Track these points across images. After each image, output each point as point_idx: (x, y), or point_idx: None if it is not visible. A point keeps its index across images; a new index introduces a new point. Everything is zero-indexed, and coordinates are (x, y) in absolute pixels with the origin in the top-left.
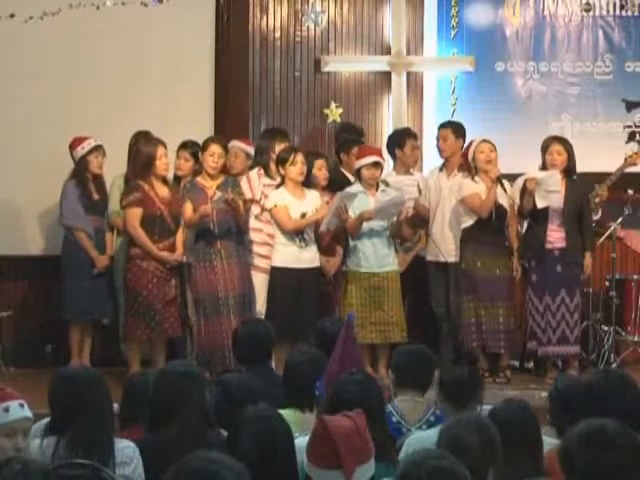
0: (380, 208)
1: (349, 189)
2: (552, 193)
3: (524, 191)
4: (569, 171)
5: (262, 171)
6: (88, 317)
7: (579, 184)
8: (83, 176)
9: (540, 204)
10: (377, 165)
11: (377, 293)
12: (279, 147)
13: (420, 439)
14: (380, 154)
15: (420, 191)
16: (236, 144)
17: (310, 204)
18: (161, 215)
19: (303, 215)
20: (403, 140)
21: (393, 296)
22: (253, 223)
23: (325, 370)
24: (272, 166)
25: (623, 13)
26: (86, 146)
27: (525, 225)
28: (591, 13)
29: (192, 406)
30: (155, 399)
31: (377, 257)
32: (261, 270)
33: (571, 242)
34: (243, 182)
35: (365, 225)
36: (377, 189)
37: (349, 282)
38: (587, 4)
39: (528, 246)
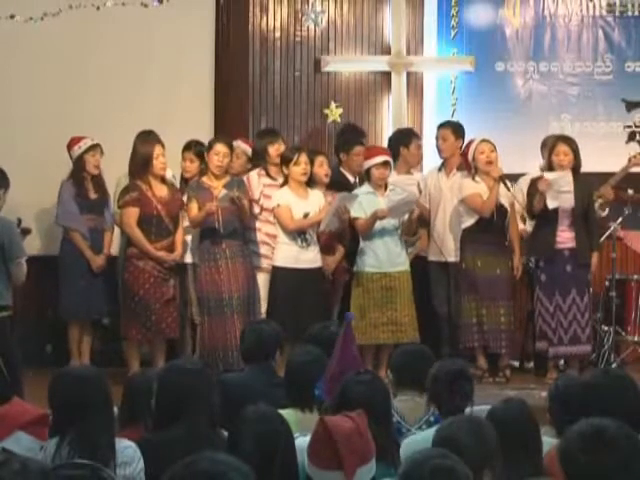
0: (393, 207)
1: (356, 192)
2: (564, 194)
3: (532, 191)
4: (575, 170)
5: (263, 172)
6: (84, 316)
7: (584, 183)
8: (80, 175)
9: (551, 205)
10: (386, 164)
11: (389, 293)
12: (271, 147)
13: (414, 443)
14: (388, 154)
15: (420, 191)
16: (241, 145)
17: (313, 204)
18: (158, 215)
19: (306, 215)
20: (409, 139)
21: (405, 296)
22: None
23: (325, 370)
24: (269, 167)
25: (623, 13)
26: (82, 145)
27: (525, 225)
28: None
29: (201, 405)
30: (162, 396)
31: (389, 256)
32: (260, 269)
33: (580, 242)
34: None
35: (376, 224)
36: (385, 189)
37: (360, 284)
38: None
39: (536, 246)
